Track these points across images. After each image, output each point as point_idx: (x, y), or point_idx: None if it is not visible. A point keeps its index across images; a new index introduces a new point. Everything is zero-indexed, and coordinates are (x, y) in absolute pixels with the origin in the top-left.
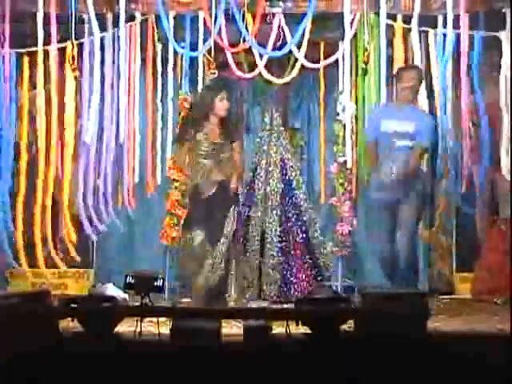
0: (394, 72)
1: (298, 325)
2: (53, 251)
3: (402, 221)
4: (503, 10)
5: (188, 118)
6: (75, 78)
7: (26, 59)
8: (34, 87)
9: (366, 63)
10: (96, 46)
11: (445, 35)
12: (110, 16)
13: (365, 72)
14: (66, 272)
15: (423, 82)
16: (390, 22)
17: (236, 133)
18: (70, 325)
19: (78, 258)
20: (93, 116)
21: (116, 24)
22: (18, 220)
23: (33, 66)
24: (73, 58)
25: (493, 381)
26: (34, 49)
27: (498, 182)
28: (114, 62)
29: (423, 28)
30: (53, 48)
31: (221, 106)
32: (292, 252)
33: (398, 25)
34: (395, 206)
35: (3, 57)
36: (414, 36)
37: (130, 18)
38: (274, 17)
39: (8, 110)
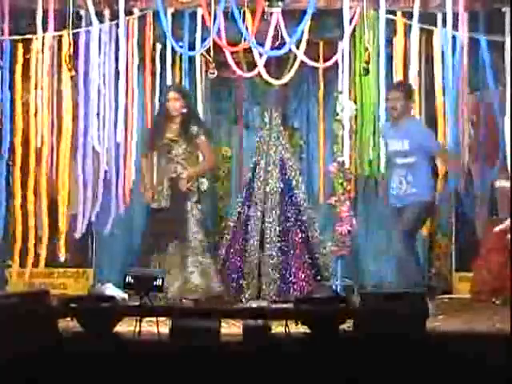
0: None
1: (297, 324)
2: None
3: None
4: (503, 10)
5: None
6: (71, 77)
7: (21, 58)
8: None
9: (367, 62)
10: (94, 44)
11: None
12: (107, 13)
13: (366, 72)
14: (66, 272)
15: (413, 92)
16: (391, 16)
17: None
18: (69, 325)
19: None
20: (90, 115)
21: (114, 21)
22: (16, 219)
23: (28, 64)
24: (69, 57)
25: (493, 381)
26: (31, 40)
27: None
28: (112, 61)
29: (424, 26)
30: (49, 42)
31: (171, 106)
32: (291, 251)
33: (399, 19)
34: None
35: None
36: (414, 33)
37: (128, 14)
38: (272, 15)
39: (5, 111)
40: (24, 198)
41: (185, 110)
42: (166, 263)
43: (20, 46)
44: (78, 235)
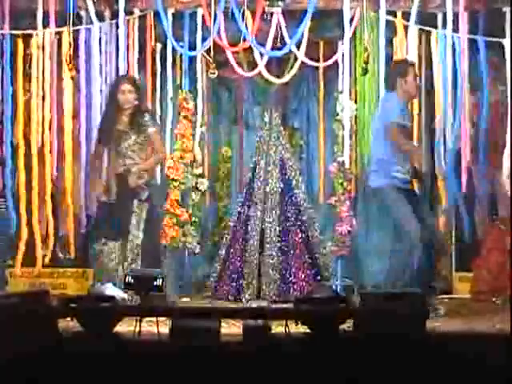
0: (394, 65)
1: (297, 324)
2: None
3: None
4: (503, 10)
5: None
6: (72, 78)
7: (21, 49)
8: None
9: (366, 63)
10: (94, 44)
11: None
12: (107, 13)
13: (365, 72)
14: (66, 272)
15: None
16: (391, 18)
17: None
18: (69, 324)
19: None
20: (92, 115)
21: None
22: (17, 219)
23: (30, 64)
24: (70, 56)
25: (493, 381)
26: (30, 38)
27: (498, 181)
28: (112, 61)
29: (424, 27)
30: (50, 43)
31: (124, 98)
32: (291, 251)
33: (399, 20)
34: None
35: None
36: (412, 32)
37: (128, 14)
38: (272, 15)
39: (6, 110)
40: (26, 197)
41: (136, 102)
42: (105, 258)
43: (20, 44)
44: (79, 237)
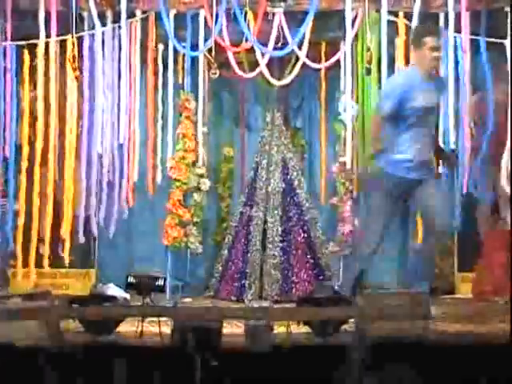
0: (415, 33)
1: (299, 324)
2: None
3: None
4: (505, 9)
5: None
6: (76, 78)
7: (26, 57)
8: (35, 87)
9: (369, 63)
10: (97, 45)
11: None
12: (109, 14)
13: (368, 72)
14: (68, 272)
15: None
16: (393, 18)
17: None
18: (71, 325)
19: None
20: (94, 116)
21: (116, 22)
22: (18, 220)
23: (33, 65)
24: (73, 57)
25: (493, 381)
26: (35, 43)
27: (499, 182)
28: (114, 61)
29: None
30: (53, 46)
31: None
32: (293, 251)
33: (401, 21)
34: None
35: (4, 52)
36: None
37: (131, 15)
38: (274, 16)
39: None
40: (28, 199)
41: None
42: None
43: (25, 48)
44: (81, 238)
